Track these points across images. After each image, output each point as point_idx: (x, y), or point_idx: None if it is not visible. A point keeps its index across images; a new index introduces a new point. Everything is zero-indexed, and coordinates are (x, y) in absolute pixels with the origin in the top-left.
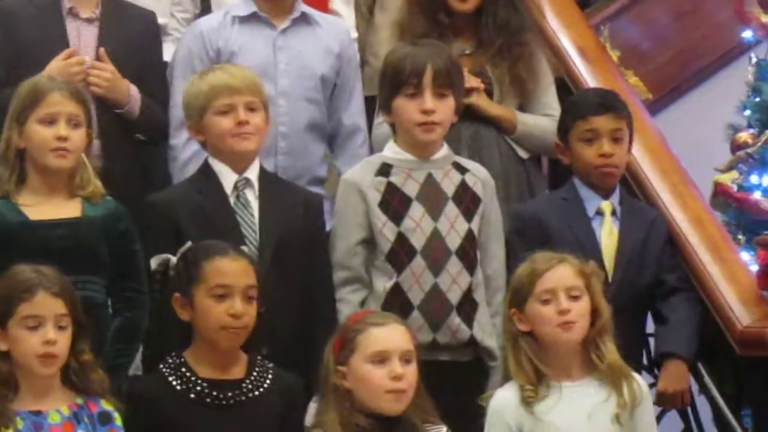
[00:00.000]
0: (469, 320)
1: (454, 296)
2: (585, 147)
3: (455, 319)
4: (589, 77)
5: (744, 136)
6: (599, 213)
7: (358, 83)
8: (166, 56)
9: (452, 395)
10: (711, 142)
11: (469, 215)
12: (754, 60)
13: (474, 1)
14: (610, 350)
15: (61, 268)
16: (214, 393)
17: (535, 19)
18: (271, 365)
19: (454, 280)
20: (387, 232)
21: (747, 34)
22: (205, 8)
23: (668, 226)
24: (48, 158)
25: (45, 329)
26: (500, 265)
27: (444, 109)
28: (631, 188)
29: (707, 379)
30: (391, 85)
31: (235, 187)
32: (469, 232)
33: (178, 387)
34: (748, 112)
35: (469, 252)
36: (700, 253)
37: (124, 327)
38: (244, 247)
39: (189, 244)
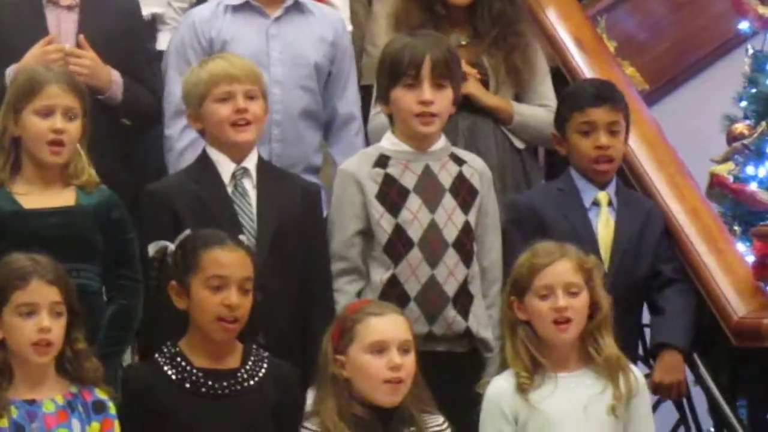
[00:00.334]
0: (464, 312)
1: (451, 288)
2: (581, 138)
3: (451, 311)
4: (585, 68)
5: (740, 127)
6: (596, 204)
7: (353, 72)
8: (163, 45)
9: (448, 386)
10: (707, 133)
11: (466, 207)
12: (750, 51)
13: None
14: (608, 344)
15: (56, 257)
16: (209, 382)
17: (533, 9)
18: (266, 354)
19: (450, 272)
20: (384, 223)
21: (744, 26)
22: None
23: (664, 217)
24: (43, 152)
25: (39, 317)
26: (497, 257)
27: (442, 100)
28: (628, 179)
29: (703, 370)
30: (389, 75)
31: (233, 176)
32: (466, 224)
33: (174, 376)
34: (744, 103)
35: (466, 244)
36: (696, 244)
37: (119, 314)
38: (242, 237)
39: (188, 232)
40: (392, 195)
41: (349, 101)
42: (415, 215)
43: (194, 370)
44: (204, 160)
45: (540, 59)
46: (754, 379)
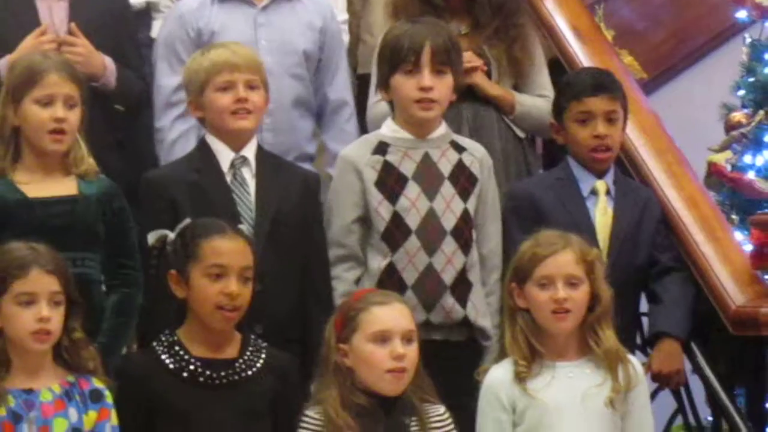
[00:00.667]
0: (462, 300)
1: (449, 276)
2: (579, 128)
3: (449, 299)
4: (583, 57)
5: (738, 116)
6: (593, 193)
7: (343, 58)
8: (157, 33)
9: (445, 375)
10: (705, 122)
11: (465, 195)
12: (748, 40)
13: None
14: (608, 336)
15: (59, 246)
16: (207, 372)
17: None
18: (264, 345)
19: (448, 260)
20: (382, 211)
21: (741, 14)
22: None
23: (662, 206)
24: (44, 140)
25: (39, 306)
26: (496, 245)
27: (442, 87)
28: (626, 168)
29: (700, 359)
30: (389, 62)
31: (232, 165)
32: (465, 212)
33: (171, 365)
34: (742, 92)
35: (465, 232)
36: (694, 233)
37: (120, 304)
38: (241, 226)
39: (188, 220)
40: (391, 182)
41: (339, 87)
42: (413, 203)
43: (192, 359)
44: (203, 148)
45: (538, 49)
46: (752, 367)
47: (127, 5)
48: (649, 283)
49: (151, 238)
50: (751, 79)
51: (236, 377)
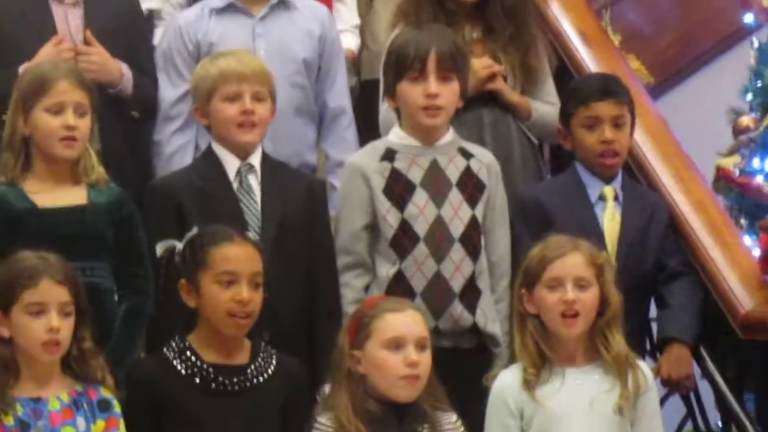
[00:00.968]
0: (471, 307)
1: (457, 283)
2: (587, 133)
3: (458, 306)
4: (590, 62)
5: (746, 120)
6: (601, 198)
7: (342, 65)
8: (158, 41)
9: (455, 382)
10: (713, 127)
11: (473, 201)
12: (755, 44)
13: None
14: (618, 341)
15: (69, 254)
16: (220, 378)
17: (537, 3)
18: (274, 351)
19: (457, 268)
20: (390, 218)
21: (749, 18)
22: None
23: (670, 211)
24: (56, 147)
25: (49, 316)
26: (505, 251)
27: (448, 94)
28: (633, 173)
29: (709, 364)
30: (395, 69)
31: (238, 172)
32: (473, 218)
33: (183, 371)
34: (750, 96)
35: (473, 239)
36: (702, 238)
37: (131, 312)
38: (248, 233)
39: (195, 230)
40: (399, 189)
41: (338, 94)
42: (421, 210)
43: (205, 365)
44: (209, 155)
45: (546, 57)
46: (760, 372)
47: (140, 11)
48: (657, 288)
49: (159, 249)
50: (759, 83)
51: (248, 384)
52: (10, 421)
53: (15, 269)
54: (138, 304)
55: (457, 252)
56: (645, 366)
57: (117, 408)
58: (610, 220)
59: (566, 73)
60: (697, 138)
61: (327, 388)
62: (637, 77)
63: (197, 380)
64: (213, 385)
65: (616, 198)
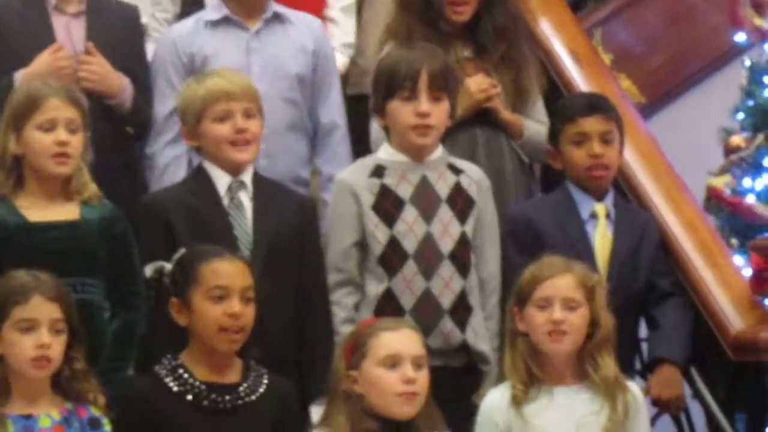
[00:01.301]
0: (462, 325)
1: (447, 301)
2: (575, 149)
3: (447, 324)
4: (581, 81)
5: (737, 139)
6: (593, 216)
7: (336, 80)
8: (147, 56)
9: (445, 401)
10: (704, 146)
11: (463, 218)
12: (747, 63)
13: (470, 11)
14: (607, 364)
15: (60, 270)
16: (212, 396)
17: (527, 22)
18: (265, 371)
19: (446, 285)
20: (379, 234)
21: (740, 38)
22: (193, 8)
23: (661, 231)
24: (49, 165)
25: (39, 333)
26: (495, 268)
27: (439, 113)
28: (624, 192)
29: (700, 384)
30: (385, 87)
31: (229, 189)
32: (463, 235)
33: (175, 388)
34: (741, 116)
35: (463, 255)
36: (693, 258)
37: (123, 330)
38: (239, 251)
39: (183, 250)
40: (387, 206)
41: (331, 109)
42: (410, 227)
43: (197, 383)
44: (199, 172)
45: (536, 77)
46: (751, 393)
47: (139, 28)
48: (648, 309)
49: (149, 270)
50: (751, 103)
51: (239, 402)
52: None
53: (6, 286)
54: (130, 322)
55: (447, 269)
56: (635, 388)
57: (107, 426)
58: (602, 237)
59: (557, 92)
60: (688, 158)
61: (315, 409)
62: (628, 97)
63: (189, 398)
64: (205, 402)
65: (607, 216)
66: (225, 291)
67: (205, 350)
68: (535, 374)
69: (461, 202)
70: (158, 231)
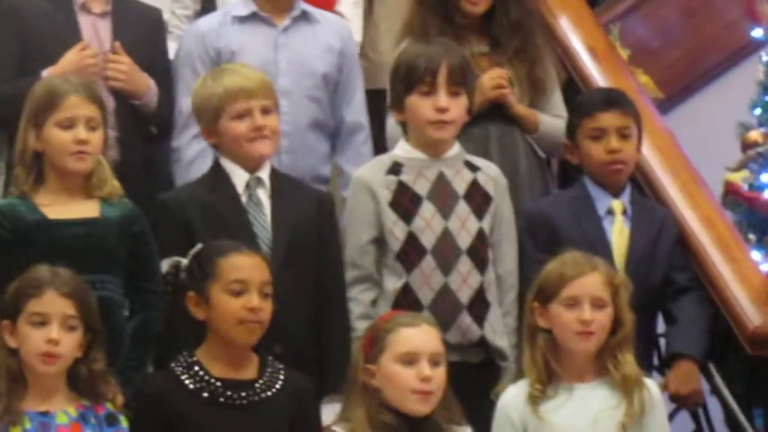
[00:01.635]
0: (480, 320)
1: (465, 296)
2: (593, 144)
3: (466, 319)
4: (599, 76)
5: (754, 134)
6: (610, 212)
7: (360, 80)
8: (167, 54)
9: (463, 396)
10: (721, 141)
11: (480, 214)
12: (764, 58)
13: (485, 3)
14: (628, 362)
15: (79, 267)
16: (228, 392)
17: (545, 18)
18: (281, 366)
19: (464, 280)
20: (397, 231)
21: (757, 33)
22: (207, 5)
23: (678, 226)
24: (68, 161)
25: (50, 327)
26: (512, 265)
27: (457, 108)
28: (641, 187)
29: (718, 379)
30: (404, 82)
31: (247, 186)
32: (480, 231)
33: (191, 385)
34: (758, 111)
35: (480, 251)
36: (711, 253)
37: (142, 328)
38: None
39: (200, 246)
40: (405, 202)
41: (356, 110)
42: (428, 223)
43: (213, 380)
44: (217, 169)
45: (554, 70)
46: None
47: (162, 30)
48: (665, 304)
49: (165, 265)
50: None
51: (256, 398)
52: None
53: (23, 280)
54: (148, 320)
55: (465, 264)
56: (652, 384)
57: (124, 423)
58: (619, 234)
59: (574, 88)
60: (706, 153)
61: (326, 407)
62: (646, 92)
63: (205, 394)
64: (221, 399)
65: (624, 212)
66: (244, 285)
67: (223, 345)
68: (554, 370)
69: (478, 198)
70: (177, 228)
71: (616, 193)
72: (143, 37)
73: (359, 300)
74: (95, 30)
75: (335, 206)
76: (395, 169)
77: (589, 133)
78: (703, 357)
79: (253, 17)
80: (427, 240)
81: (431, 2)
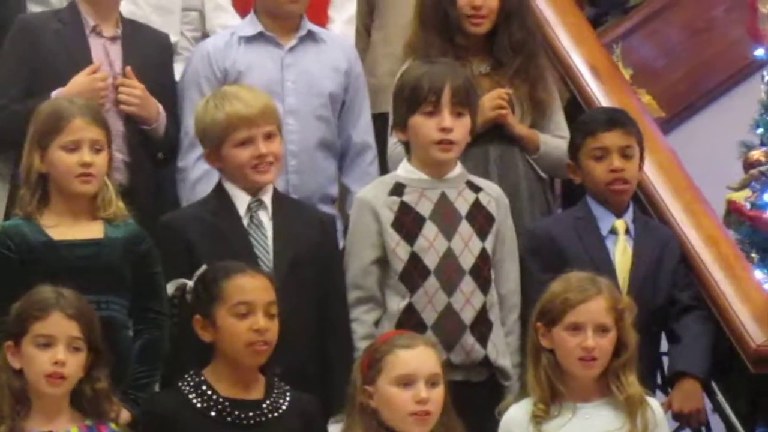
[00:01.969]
0: (483, 340)
1: (468, 316)
2: (595, 164)
3: (469, 339)
4: (601, 96)
5: (757, 154)
6: (613, 232)
7: (366, 101)
8: (177, 75)
9: (466, 415)
10: (724, 160)
11: (483, 234)
12: (766, 78)
13: (488, 24)
14: (632, 383)
15: (84, 288)
16: (236, 412)
17: (547, 37)
18: (287, 387)
19: (467, 300)
20: (400, 251)
21: (759, 52)
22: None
23: (681, 245)
24: (73, 184)
25: (56, 349)
26: (515, 285)
27: (461, 128)
28: (644, 207)
29: (721, 398)
30: (408, 103)
31: (249, 208)
32: (483, 251)
33: (198, 404)
34: (760, 130)
35: (483, 271)
36: (714, 272)
37: (147, 348)
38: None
39: (204, 267)
40: (408, 223)
41: (363, 130)
42: (431, 243)
43: (220, 399)
44: (220, 191)
45: (556, 91)
46: None
47: (170, 55)
48: (668, 323)
49: (170, 288)
50: None
51: (263, 419)
52: None
53: (28, 301)
54: (154, 340)
55: (468, 284)
56: (656, 403)
57: None
58: (622, 253)
59: (577, 107)
60: (708, 172)
61: (332, 427)
62: (648, 111)
63: (213, 414)
64: (229, 418)
65: (627, 232)
66: (250, 306)
67: (230, 366)
68: (557, 390)
69: (481, 219)
70: (179, 250)
71: (618, 213)
72: (153, 61)
73: (362, 320)
74: (106, 53)
75: (336, 227)
76: (398, 189)
77: (592, 152)
78: (706, 375)
79: (259, 37)
80: (430, 260)
81: (433, 23)
